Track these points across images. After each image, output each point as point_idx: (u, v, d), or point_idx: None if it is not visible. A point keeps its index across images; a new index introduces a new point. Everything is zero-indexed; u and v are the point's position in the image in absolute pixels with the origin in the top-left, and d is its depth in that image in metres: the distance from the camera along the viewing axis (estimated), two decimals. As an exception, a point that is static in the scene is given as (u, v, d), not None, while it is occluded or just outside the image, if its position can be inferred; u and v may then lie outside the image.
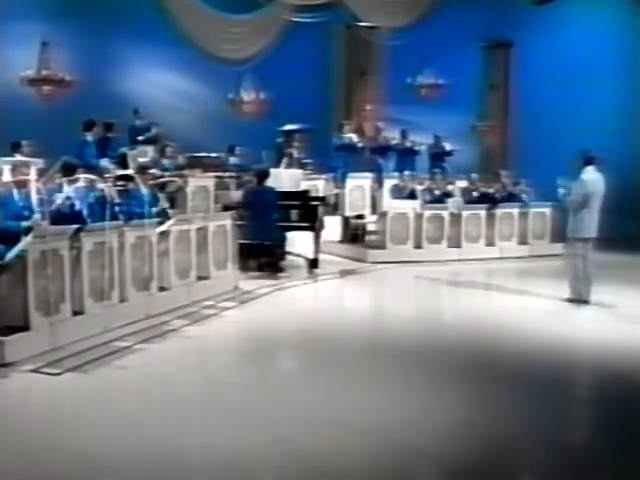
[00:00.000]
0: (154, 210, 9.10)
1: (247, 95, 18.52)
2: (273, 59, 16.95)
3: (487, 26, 18.12)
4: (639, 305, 9.78)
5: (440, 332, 8.36)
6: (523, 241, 14.68)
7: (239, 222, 10.85)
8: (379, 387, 6.28)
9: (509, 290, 11.00)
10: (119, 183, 9.69)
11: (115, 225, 8.05)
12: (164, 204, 9.45)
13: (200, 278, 9.61)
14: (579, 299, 9.69)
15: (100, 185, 8.78)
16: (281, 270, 11.60)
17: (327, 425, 5.41)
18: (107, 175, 9.64)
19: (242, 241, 10.78)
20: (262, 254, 11.52)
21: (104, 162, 11.58)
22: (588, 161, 9.61)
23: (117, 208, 8.85)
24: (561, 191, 9.68)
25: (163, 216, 9.16)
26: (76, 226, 7.50)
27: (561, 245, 13.87)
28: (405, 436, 5.24)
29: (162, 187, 10.48)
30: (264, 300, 9.92)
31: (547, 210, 14.71)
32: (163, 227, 8.83)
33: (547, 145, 16.65)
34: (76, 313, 7.42)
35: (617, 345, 7.75)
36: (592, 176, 9.59)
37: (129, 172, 9.44)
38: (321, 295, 11.09)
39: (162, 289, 8.86)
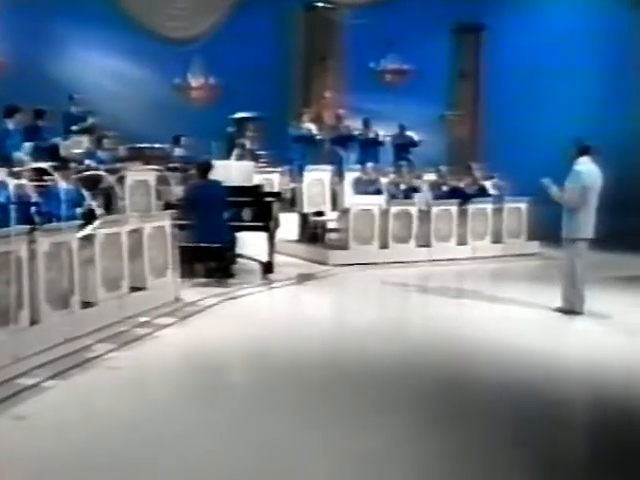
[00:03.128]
0: (78, 210, 8.04)
1: (195, 80, 17.49)
2: (224, 41, 16.26)
3: (457, 8, 17.53)
4: (636, 312, 8.93)
5: (409, 353, 7.20)
6: (497, 240, 13.76)
7: (183, 222, 9.81)
8: (338, 435, 5.12)
9: (486, 297, 9.94)
10: (40, 178, 8.44)
11: (23, 230, 6.64)
12: (91, 203, 8.17)
13: (134, 289, 8.35)
14: (571, 310, 8.59)
15: (13, 181, 7.57)
16: (231, 276, 10.49)
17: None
18: (19, 169, 8.26)
19: (186, 244, 9.71)
20: (210, 258, 10.37)
21: (18, 154, 10.16)
22: (583, 151, 8.54)
23: (34, 208, 7.77)
24: (554, 189, 8.51)
25: (90, 217, 7.96)
26: (-29, 233, 6.13)
27: (537, 244, 13.29)
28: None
29: (96, 183, 9.23)
30: (210, 313, 8.74)
31: (523, 206, 13.96)
32: (85, 231, 7.49)
33: (521, 136, 16.27)
34: (-30, 341, 6.02)
35: (616, 367, 6.83)
36: (588, 168, 8.51)
37: (44, 165, 8.08)
38: (277, 306, 9.98)
39: (86, 305, 7.52)
